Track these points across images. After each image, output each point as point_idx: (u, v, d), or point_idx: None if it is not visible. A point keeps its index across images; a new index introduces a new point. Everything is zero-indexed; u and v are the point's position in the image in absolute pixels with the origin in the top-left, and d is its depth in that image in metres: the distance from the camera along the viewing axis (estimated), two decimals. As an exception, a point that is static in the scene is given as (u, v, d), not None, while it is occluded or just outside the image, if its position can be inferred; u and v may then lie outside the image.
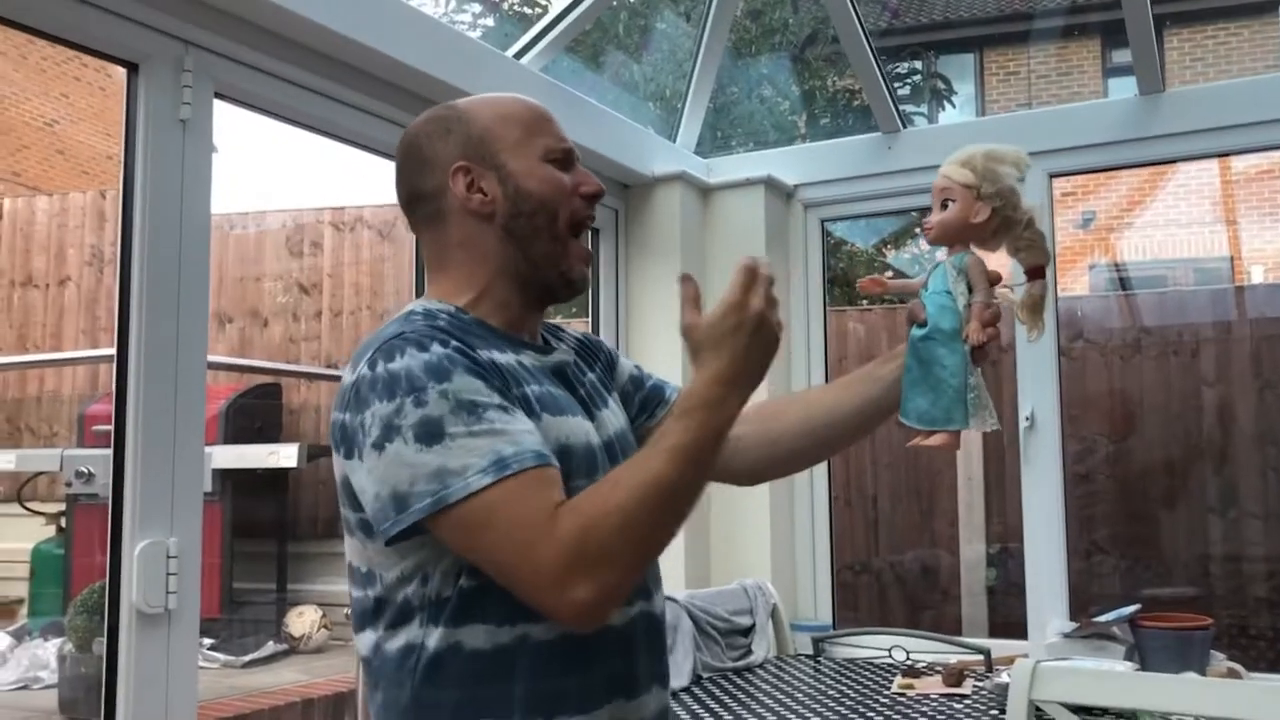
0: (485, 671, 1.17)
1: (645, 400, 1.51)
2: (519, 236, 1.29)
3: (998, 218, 1.31)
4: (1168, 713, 2.09)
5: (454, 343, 1.17)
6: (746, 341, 1.17)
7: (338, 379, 1.25)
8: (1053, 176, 3.12)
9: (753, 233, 3.31)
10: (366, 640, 1.23)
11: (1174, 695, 1.89)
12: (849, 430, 1.48)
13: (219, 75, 2.02)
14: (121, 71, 1.95)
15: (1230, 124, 2.91)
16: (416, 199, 1.34)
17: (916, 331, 1.32)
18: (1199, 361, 4.45)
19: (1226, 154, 3.30)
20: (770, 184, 3.33)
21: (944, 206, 1.33)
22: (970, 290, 1.30)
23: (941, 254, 1.44)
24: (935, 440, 1.30)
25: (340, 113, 2.31)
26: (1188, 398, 4.42)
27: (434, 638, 1.17)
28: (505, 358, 1.24)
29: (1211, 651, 2.58)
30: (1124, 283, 8.96)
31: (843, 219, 3.84)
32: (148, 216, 1.90)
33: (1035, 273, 1.34)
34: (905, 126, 3.35)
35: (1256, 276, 9.24)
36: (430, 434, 1.11)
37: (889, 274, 1.43)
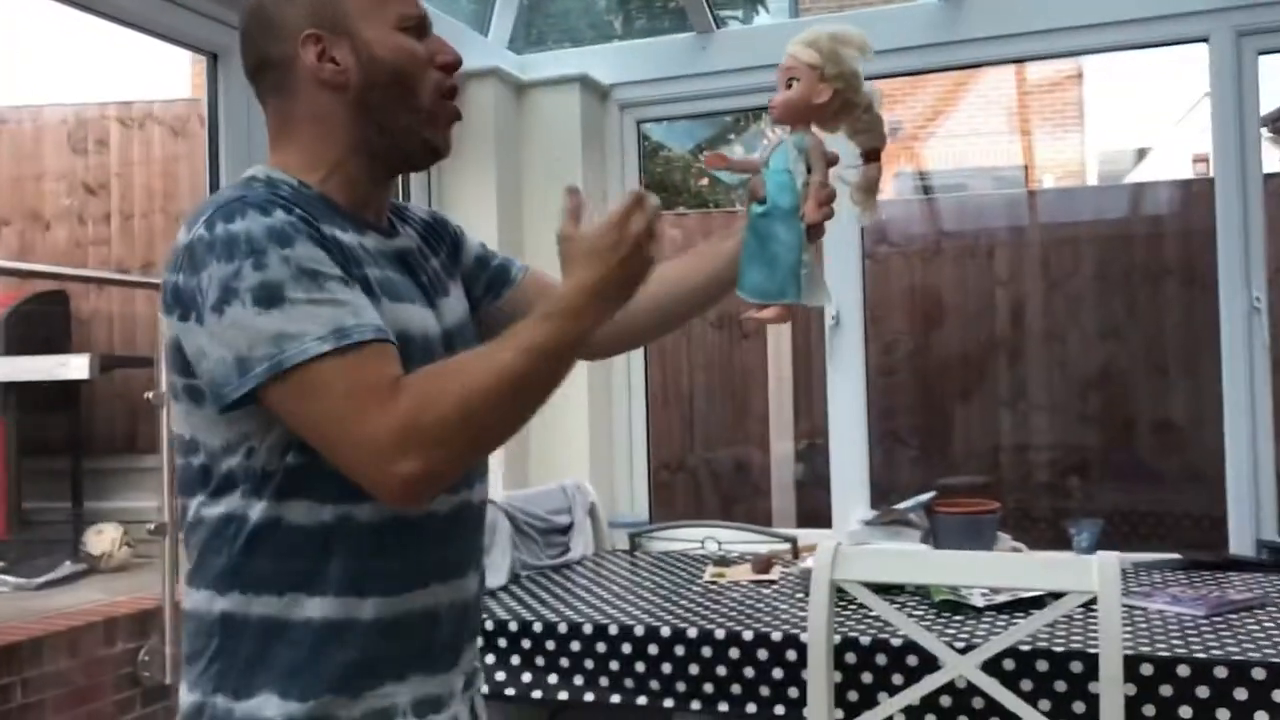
0: (303, 547, 1.17)
1: (491, 280, 1.49)
2: (374, 109, 1.25)
3: (839, 99, 1.32)
4: (956, 585, 2.23)
5: (298, 211, 1.14)
6: (620, 260, 1.16)
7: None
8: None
9: (568, 133, 3.27)
10: (189, 507, 1.21)
11: (961, 569, 2.02)
12: (693, 304, 1.52)
13: (-28, -57, 1.83)
14: None
15: (1028, 30, 3.03)
16: (263, 67, 1.27)
17: (755, 208, 1.33)
18: (994, 263, 4.68)
19: (1024, 59, 3.43)
20: (585, 82, 3.29)
21: (789, 86, 1.33)
22: (809, 170, 1.32)
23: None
24: (768, 314, 1.33)
25: (117, -9, 2.13)
26: (983, 297, 4.65)
27: (256, 510, 1.16)
28: (348, 237, 1.21)
29: (998, 533, 2.77)
30: (927, 190, 9.32)
31: (658, 120, 3.84)
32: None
33: (871, 155, 1.38)
34: (720, 27, 3.35)
35: (1048, 183, 9.77)
36: (270, 297, 1.08)
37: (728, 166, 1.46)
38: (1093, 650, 1.89)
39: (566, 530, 3.02)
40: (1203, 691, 1.85)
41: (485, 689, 1.40)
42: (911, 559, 2.12)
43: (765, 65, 3.19)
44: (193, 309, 1.12)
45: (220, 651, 1.19)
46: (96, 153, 6.20)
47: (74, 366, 5.16)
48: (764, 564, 2.71)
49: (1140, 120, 10.47)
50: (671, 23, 3.52)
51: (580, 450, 3.24)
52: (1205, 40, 2.88)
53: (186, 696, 1.21)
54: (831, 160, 1.34)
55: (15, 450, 4.99)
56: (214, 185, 2.52)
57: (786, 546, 2.93)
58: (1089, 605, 1.98)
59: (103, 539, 5.10)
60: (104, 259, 6.14)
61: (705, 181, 7.77)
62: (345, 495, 1.15)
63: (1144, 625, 2.10)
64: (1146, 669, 1.87)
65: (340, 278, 1.13)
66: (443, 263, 1.40)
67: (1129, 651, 1.85)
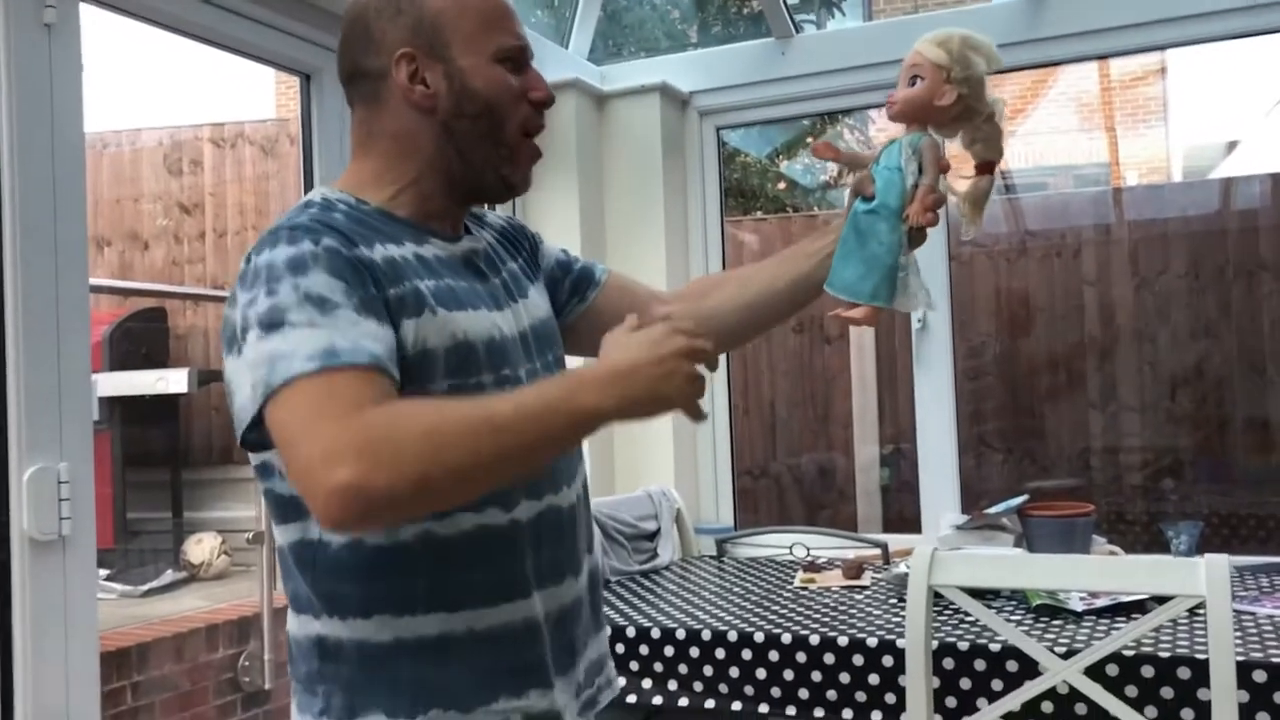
0: (384, 567, 1.16)
1: (576, 283, 1.47)
2: (459, 137, 1.25)
3: (961, 104, 1.30)
4: (1053, 590, 2.20)
5: (327, 240, 1.12)
6: (657, 358, 1.09)
7: (226, 300, 1.21)
8: (942, 81, 3.15)
9: (649, 141, 3.30)
10: (275, 533, 1.23)
11: (1064, 573, 1.99)
12: (782, 306, 1.46)
13: (84, -25, 1.90)
14: (-25, -29, 1.82)
15: (1112, 26, 2.97)
16: (356, 75, 1.28)
17: (860, 205, 1.31)
18: (1080, 262, 4.60)
19: (1108, 56, 3.37)
20: (665, 91, 3.31)
21: (911, 83, 1.31)
22: (920, 172, 1.29)
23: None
24: (856, 313, 1.30)
25: (216, 17, 2.21)
26: (1070, 297, 4.57)
27: (332, 534, 1.16)
28: (401, 250, 1.20)
29: (1093, 536, 2.72)
30: (1009, 189, 9.16)
31: (738, 126, 3.84)
32: (15, 131, 1.79)
33: (985, 168, 1.35)
34: (798, 32, 3.35)
35: (1131, 180, 9.55)
36: (273, 322, 1.07)
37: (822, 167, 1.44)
38: (1200, 655, 1.85)
39: (653, 536, 3.03)
40: (1317, 698, 1.80)
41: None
42: (1011, 563, 2.09)
43: (843, 69, 3.22)
44: (232, 342, 1.13)
45: (321, 675, 1.19)
46: (191, 173, 6.40)
47: (173, 381, 5.33)
48: (855, 569, 2.70)
49: (1227, 113, 10.18)
50: (747, 29, 3.53)
51: (664, 457, 3.26)
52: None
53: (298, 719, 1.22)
54: (944, 167, 1.31)
55: (120, 462, 5.16)
56: (307, 202, 2.59)
57: (877, 551, 2.91)
58: (1195, 609, 1.94)
59: (202, 548, 5.26)
60: (199, 276, 6.33)
61: (783, 185, 7.75)
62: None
63: (1254, 630, 2.05)
64: (1259, 675, 1.82)
65: (354, 306, 1.09)
66: (522, 266, 1.39)
67: (1240, 658, 1.80)
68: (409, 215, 1.26)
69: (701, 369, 1.11)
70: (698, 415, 1.12)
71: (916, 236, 1.30)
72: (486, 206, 1.45)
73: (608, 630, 1.41)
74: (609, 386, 1.07)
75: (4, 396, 1.79)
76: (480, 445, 1.02)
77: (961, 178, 1.35)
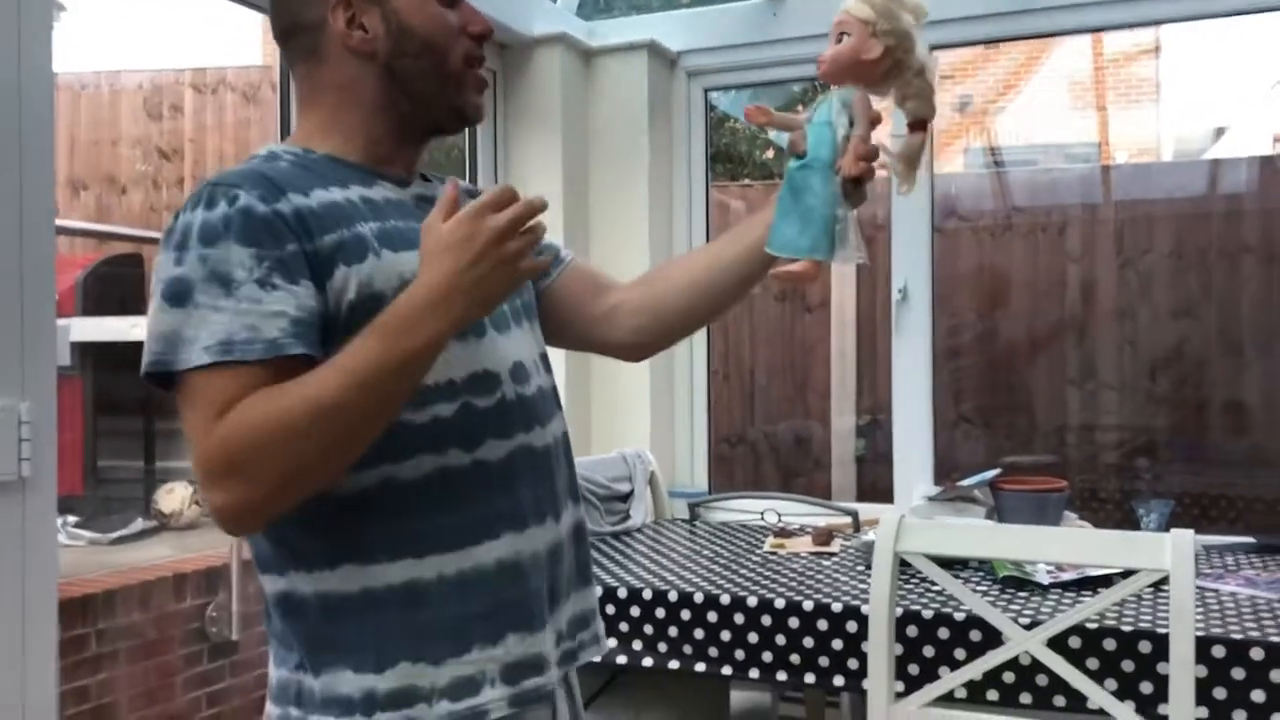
0: (345, 516, 1.15)
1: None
2: (402, 77, 1.25)
3: (890, 58, 1.28)
4: (1021, 561, 2.20)
5: (245, 199, 1.11)
6: (471, 258, 1.05)
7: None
8: (932, 49, 3.12)
9: (635, 101, 3.25)
10: None
11: (1030, 544, 1.99)
12: (735, 277, 1.41)
13: (55, -96, 1.85)
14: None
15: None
16: (293, 30, 1.27)
17: (794, 163, 1.30)
18: (1065, 239, 4.59)
19: (1101, 29, 3.34)
20: (653, 49, 3.26)
21: (839, 41, 1.30)
22: (852, 125, 1.28)
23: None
24: (796, 268, 1.29)
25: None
26: (1054, 274, 4.56)
27: None
28: (346, 193, 1.19)
29: (1065, 512, 2.73)
30: (998, 164, 9.15)
31: (726, 88, 3.80)
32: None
33: (918, 125, 1.33)
34: (790, -7, 3.30)
35: (1121, 160, 9.55)
36: (178, 295, 1.09)
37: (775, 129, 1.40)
38: (1162, 630, 1.85)
39: (626, 498, 3.03)
40: (1277, 675, 1.80)
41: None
42: (978, 532, 2.09)
43: (837, 33, 3.17)
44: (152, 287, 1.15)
45: (289, 631, 1.19)
46: (171, 118, 6.32)
47: (148, 328, 5.26)
48: (824, 536, 2.70)
49: (1218, 97, 10.17)
50: (740, -9, 3.47)
51: (641, 420, 3.24)
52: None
53: (272, 673, 1.22)
54: (875, 119, 1.29)
55: (91, 409, 5.11)
56: (285, 149, 2.54)
57: (847, 520, 2.91)
58: (1159, 585, 1.94)
59: (173, 497, 5.22)
60: (177, 223, 6.26)
61: (770, 153, 7.70)
62: (383, 457, 1.13)
63: (1216, 607, 2.06)
64: (1219, 651, 1.83)
65: (258, 280, 1.08)
66: None
67: (1200, 633, 1.81)
68: (359, 160, 1.25)
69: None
70: (534, 273, 1.14)
71: (854, 193, 1.28)
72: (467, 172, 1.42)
73: (597, 588, 1.40)
74: (434, 314, 1.06)
75: (-36, 333, 1.75)
76: (329, 432, 1.05)
77: (893, 136, 1.33)
